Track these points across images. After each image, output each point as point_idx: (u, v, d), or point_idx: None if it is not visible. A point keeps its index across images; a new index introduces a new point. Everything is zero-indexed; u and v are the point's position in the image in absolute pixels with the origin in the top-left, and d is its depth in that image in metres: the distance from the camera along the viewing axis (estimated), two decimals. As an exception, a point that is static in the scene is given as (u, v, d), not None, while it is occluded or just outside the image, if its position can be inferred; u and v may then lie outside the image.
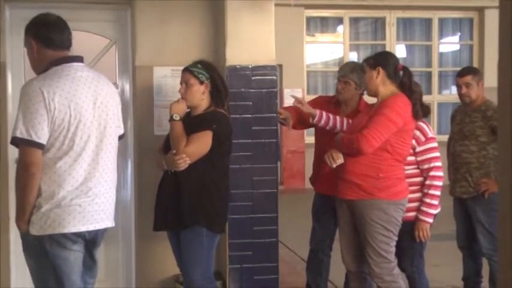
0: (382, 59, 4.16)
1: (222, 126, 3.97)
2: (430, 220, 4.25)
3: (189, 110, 4.12)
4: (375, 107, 4.14)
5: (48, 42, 3.27)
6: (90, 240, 3.34)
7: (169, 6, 4.87)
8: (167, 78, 4.84)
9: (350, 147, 3.99)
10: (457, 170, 4.93)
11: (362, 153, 3.97)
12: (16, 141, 3.10)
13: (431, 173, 4.22)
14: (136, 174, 4.88)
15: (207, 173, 3.93)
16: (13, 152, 4.76)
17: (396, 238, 4.11)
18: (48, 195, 3.15)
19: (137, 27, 4.83)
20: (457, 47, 14.10)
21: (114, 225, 3.48)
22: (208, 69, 4.08)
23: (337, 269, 4.92)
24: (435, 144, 4.29)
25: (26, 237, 3.22)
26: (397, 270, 4.12)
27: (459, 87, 4.97)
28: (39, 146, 3.08)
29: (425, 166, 4.23)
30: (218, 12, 4.88)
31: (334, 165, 4.04)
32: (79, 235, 3.23)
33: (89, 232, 3.27)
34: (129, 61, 4.94)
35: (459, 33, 14.02)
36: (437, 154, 4.26)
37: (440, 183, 4.24)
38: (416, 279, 4.44)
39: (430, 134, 4.28)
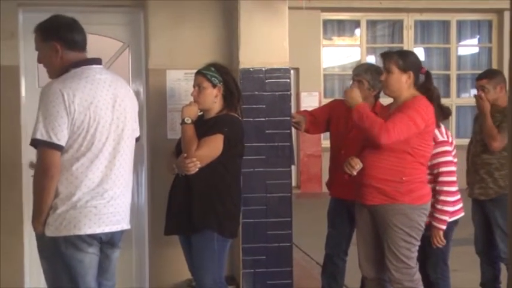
0: (413, 64, 4.02)
1: (233, 130, 3.93)
2: (443, 227, 4.16)
3: (201, 113, 4.08)
4: (396, 108, 4.01)
5: (73, 44, 3.28)
6: (107, 242, 3.33)
7: (182, 9, 4.86)
8: (180, 81, 4.82)
9: (370, 129, 3.84)
10: (477, 171, 4.88)
11: (377, 142, 3.82)
12: (36, 143, 3.10)
13: (440, 179, 4.14)
14: (149, 178, 4.87)
15: (219, 176, 3.90)
16: (27, 156, 4.79)
17: (418, 243, 4.03)
18: (65, 196, 3.15)
19: (150, 30, 4.82)
20: (475, 49, 13.98)
21: (129, 227, 3.46)
22: (222, 72, 4.05)
23: (352, 274, 4.86)
24: (446, 148, 4.20)
25: (41, 238, 3.21)
26: (418, 276, 4.04)
27: (476, 90, 4.97)
28: (59, 148, 3.09)
29: (435, 171, 4.16)
30: (231, 15, 4.85)
31: (355, 172, 3.96)
32: (94, 237, 3.22)
33: (105, 234, 3.26)
34: (142, 64, 4.93)
35: (478, 36, 13.89)
36: (447, 159, 4.17)
37: (451, 189, 4.16)
38: (439, 285, 4.37)
39: (441, 138, 4.18)
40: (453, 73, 13.47)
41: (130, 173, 3.42)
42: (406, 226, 3.93)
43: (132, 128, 3.40)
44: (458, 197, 4.36)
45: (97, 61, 3.36)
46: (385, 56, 4.09)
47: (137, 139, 3.53)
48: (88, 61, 3.31)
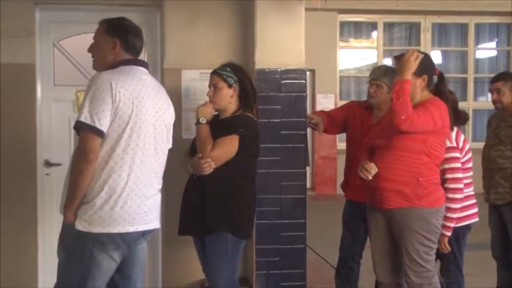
0: (426, 66, 3.94)
1: (249, 131, 3.91)
2: (447, 233, 4.10)
3: (217, 113, 4.07)
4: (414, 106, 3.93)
5: (131, 48, 3.40)
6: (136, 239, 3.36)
7: (198, 9, 4.86)
8: (195, 81, 4.81)
9: (400, 110, 3.71)
10: (492, 176, 4.84)
11: (399, 126, 3.72)
12: (79, 126, 3.14)
13: (445, 185, 4.07)
14: (163, 178, 4.84)
15: (233, 177, 3.87)
16: (42, 154, 4.81)
17: (436, 246, 3.99)
18: (102, 192, 3.15)
19: (166, 29, 4.82)
20: (494, 52, 13.87)
21: (159, 226, 3.50)
22: (237, 72, 4.03)
23: (366, 277, 4.83)
24: (454, 155, 4.14)
25: (68, 228, 3.20)
26: (436, 279, 3.99)
27: (491, 93, 4.95)
28: (100, 133, 3.12)
29: (442, 177, 4.09)
30: (247, 15, 4.84)
31: (370, 177, 3.90)
32: (125, 238, 3.22)
33: (137, 233, 3.28)
34: (157, 64, 4.93)
35: (496, 39, 13.78)
36: (454, 165, 4.11)
37: (456, 196, 4.09)
38: None
39: (449, 144, 4.10)
40: (470, 76, 13.38)
41: (161, 175, 3.48)
42: (424, 230, 3.88)
43: (165, 136, 3.44)
44: (471, 202, 4.33)
45: (144, 64, 3.47)
46: (399, 60, 4.01)
47: (169, 150, 3.55)
48: (137, 62, 3.42)
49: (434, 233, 3.94)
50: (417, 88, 3.94)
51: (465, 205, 4.25)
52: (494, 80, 4.95)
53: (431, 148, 3.88)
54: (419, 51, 4.03)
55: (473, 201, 4.36)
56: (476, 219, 4.38)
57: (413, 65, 3.84)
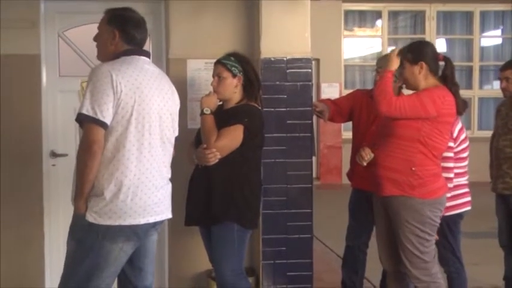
0: (422, 53, 3.96)
1: (253, 120, 3.89)
2: None
3: (221, 103, 4.05)
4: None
5: (131, 39, 3.37)
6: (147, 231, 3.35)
7: (203, -1, 4.83)
8: (201, 71, 4.79)
9: (379, 94, 3.86)
10: (500, 166, 4.81)
11: (378, 108, 3.85)
12: (81, 118, 3.13)
13: None
14: (169, 168, 4.85)
15: (238, 167, 3.86)
16: (48, 145, 4.81)
17: (433, 238, 3.96)
18: (111, 184, 3.15)
19: (171, 19, 4.80)
20: (499, 40, 13.81)
21: (171, 216, 3.50)
22: (242, 62, 4.01)
23: (373, 266, 4.82)
24: (447, 154, 4.09)
25: (79, 219, 3.19)
26: (435, 269, 3.97)
27: (500, 81, 4.91)
28: (103, 125, 3.11)
29: None
30: (252, 4, 4.81)
31: (365, 163, 4.00)
32: (135, 230, 3.22)
33: (148, 224, 3.28)
34: (162, 54, 4.92)
35: (501, 27, 13.71)
36: (446, 154, 4.06)
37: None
38: (454, 279, 4.33)
39: None
40: (476, 64, 13.33)
41: (169, 165, 3.47)
42: (417, 222, 3.86)
43: (171, 125, 3.43)
44: (462, 191, 4.31)
45: (146, 53, 3.45)
46: (400, 53, 4.02)
47: (175, 138, 3.54)
48: (139, 51, 3.40)
49: (430, 225, 3.89)
50: (416, 75, 3.95)
51: (456, 194, 4.23)
52: (503, 68, 4.91)
53: (427, 137, 3.84)
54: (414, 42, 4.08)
55: (465, 190, 4.34)
56: (469, 208, 4.36)
57: (394, 58, 3.97)
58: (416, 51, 3.97)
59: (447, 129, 3.96)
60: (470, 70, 13.35)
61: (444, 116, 3.87)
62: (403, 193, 3.86)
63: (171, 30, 4.81)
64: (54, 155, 4.86)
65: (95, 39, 3.46)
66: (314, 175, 11.51)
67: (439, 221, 3.96)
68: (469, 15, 13.39)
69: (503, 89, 4.89)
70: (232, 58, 4.00)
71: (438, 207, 3.92)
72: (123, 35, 3.35)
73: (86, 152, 3.11)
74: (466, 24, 13.47)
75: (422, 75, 3.94)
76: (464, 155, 4.30)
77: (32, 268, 4.77)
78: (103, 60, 3.35)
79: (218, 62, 4.02)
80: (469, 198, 4.38)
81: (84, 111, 3.11)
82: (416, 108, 3.80)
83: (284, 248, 4.69)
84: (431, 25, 13.13)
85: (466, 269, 4.41)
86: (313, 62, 4.87)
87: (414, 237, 3.88)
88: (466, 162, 4.34)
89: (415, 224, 3.86)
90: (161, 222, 3.41)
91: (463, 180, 4.32)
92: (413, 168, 3.84)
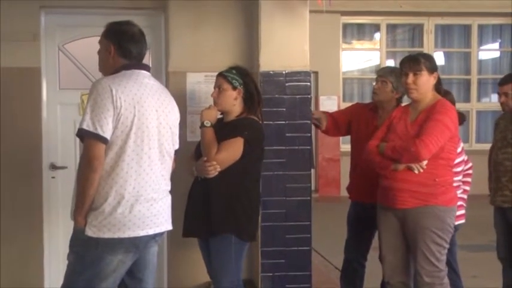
0: (436, 66, 4.05)
1: (253, 133, 3.92)
2: None
3: (221, 116, 4.08)
4: (423, 112, 3.99)
5: (127, 53, 3.38)
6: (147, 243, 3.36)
7: (202, 12, 4.87)
8: (200, 84, 4.82)
9: (404, 154, 3.87)
10: (499, 179, 4.81)
11: (419, 160, 3.85)
12: (82, 133, 3.15)
13: None
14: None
15: (238, 180, 3.88)
16: (48, 157, 4.82)
17: (448, 246, 4.01)
18: (110, 197, 3.16)
19: (170, 32, 4.83)
20: (497, 54, 13.85)
21: (171, 228, 3.50)
22: (243, 75, 4.05)
23: (371, 279, 4.83)
24: None
25: (78, 232, 3.20)
26: (447, 280, 4.01)
27: (499, 96, 4.92)
28: (104, 140, 3.13)
29: None
30: (252, 18, 4.85)
31: (422, 170, 3.93)
32: (134, 242, 3.23)
33: (148, 237, 3.29)
34: (162, 67, 4.95)
35: (499, 40, 13.76)
36: None
37: None
38: None
39: None
40: (474, 78, 13.36)
41: (169, 178, 3.48)
42: (439, 229, 3.91)
43: (171, 139, 3.44)
44: (457, 204, 4.31)
45: (146, 67, 3.46)
46: (412, 59, 4.03)
47: (175, 151, 3.55)
48: (138, 66, 3.41)
49: (447, 232, 3.96)
50: (430, 85, 4.03)
51: None
52: (502, 83, 4.88)
53: (448, 152, 3.95)
54: (419, 53, 4.09)
55: (460, 203, 4.35)
56: (463, 221, 4.39)
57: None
58: (433, 61, 4.05)
59: (457, 140, 4.07)
60: (468, 83, 13.37)
61: (457, 128, 4.00)
62: (427, 203, 3.91)
63: (170, 44, 4.84)
64: (54, 167, 4.88)
65: (98, 52, 3.48)
66: (312, 187, 11.54)
67: (453, 229, 4.01)
68: (467, 29, 13.44)
69: (502, 104, 4.88)
70: (234, 71, 4.04)
71: (454, 214, 4.01)
72: (118, 49, 3.36)
73: (86, 167, 3.13)
74: (464, 37, 13.51)
75: (433, 85, 4.02)
76: (459, 169, 4.33)
77: (32, 280, 4.77)
78: (105, 73, 3.38)
79: (220, 74, 4.06)
80: (463, 211, 4.40)
81: (85, 127, 3.13)
82: (444, 133, 3.88)
83: (283, 261, 4.69)
84: (429, 38, 13.17)
85: (465, 282, 4.43)
86: (312, 75, 4.89)
87: (433, 245, 3.92)
88: (461, 176, 4.38)
89: (436, 231, 3.91)
90: (161, 234, 3.42)
91: (458, 193, 4.34)
92: (436, 180, 3.91)
